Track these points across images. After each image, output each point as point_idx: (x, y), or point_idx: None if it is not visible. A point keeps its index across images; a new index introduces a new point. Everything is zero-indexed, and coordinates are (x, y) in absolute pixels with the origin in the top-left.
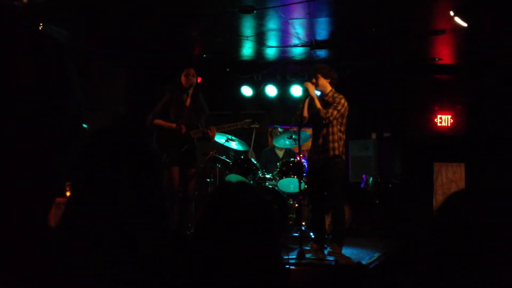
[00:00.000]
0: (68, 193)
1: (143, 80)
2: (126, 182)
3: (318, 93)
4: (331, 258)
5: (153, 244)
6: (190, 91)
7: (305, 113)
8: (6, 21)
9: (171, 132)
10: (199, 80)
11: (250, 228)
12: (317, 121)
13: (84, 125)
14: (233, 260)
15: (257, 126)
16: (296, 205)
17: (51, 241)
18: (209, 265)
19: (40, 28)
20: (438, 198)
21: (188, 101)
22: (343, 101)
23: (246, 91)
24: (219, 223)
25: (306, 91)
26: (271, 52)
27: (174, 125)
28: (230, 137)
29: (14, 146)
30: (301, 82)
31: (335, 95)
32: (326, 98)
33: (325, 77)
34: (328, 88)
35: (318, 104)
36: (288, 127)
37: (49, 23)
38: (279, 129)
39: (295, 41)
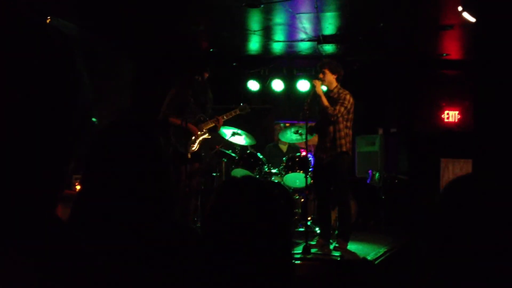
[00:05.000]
0: (77, 186)
1: (150, 74)
2: (137, 175)
3: (324, 88)
4: (336, 253)
5: (163, 236)
6: (197, 87)
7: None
8: (14, 14)
9: (184, 130)
10: (206, 75)
11: (259, 223)
12: (324, 118)
13: (93, 119)
14: (243, 254)
15: (249, 110)
16: (302, 200)
17: (61, 233)
18: (219, 259)
19: (47, 21)
20: None
21: (193, 97)
22: (348, 96)
23: (253, 85)
24: (227, 217)
25: (313, 88)
26: (277, 47)
27: (194, 128)
28: (236, 131)
29: (22, 139)
30: (308, 77)
31: (341, 91)
32: (332, 94)
33: (333, 73)
34: (334, 83)
35: (326, 102)
36: (295, 121)
37: (56, 16)
38: (281, 124)
39: (302, 35)
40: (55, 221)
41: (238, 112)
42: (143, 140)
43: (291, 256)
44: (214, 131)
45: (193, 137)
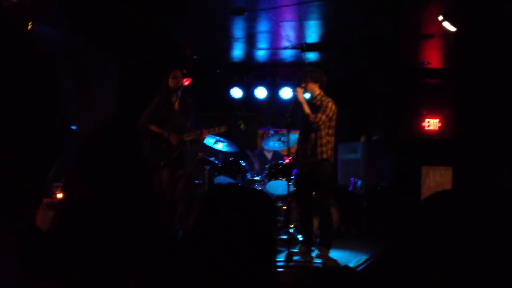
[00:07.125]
0: (59, 194)
1: (135, 78)
2: (119, 184)
3: (307, 95)
4: (318, 261)
5: (143, 244)
6: (179, 94)
7: (288, 114)
8: None
9: (164, 138)
10: (189, 81)
11: (243, 230)
12: (306, 126)
13: (73, 127)
14: (227, 261)
15: (242, 126)
16: (285, 207)
17: (40, 240)
18: (203, 266)
19: (29, 27)
20: None
21: (176, 104)
22: (330, 104)
23: (236, 92)
24: (213, 225)
25: (295, 95)
26: (261, 54)
27: (165, 133)
28: (219, 138)
29: (3, 146)
30: (291, 85)
31: (324, 98)
32: (314, 101)
33: (315, 81)
34: (317, 91)
35: (307, 109)
36: (278, 129)
37: (39, 21)
38: (271, 131)
39: (285, 43)
40: (34, 229)
41: (224, 129)
42: (128, 147)
43: (274, 264)
44: (197, 144)
45: (169, 146)
